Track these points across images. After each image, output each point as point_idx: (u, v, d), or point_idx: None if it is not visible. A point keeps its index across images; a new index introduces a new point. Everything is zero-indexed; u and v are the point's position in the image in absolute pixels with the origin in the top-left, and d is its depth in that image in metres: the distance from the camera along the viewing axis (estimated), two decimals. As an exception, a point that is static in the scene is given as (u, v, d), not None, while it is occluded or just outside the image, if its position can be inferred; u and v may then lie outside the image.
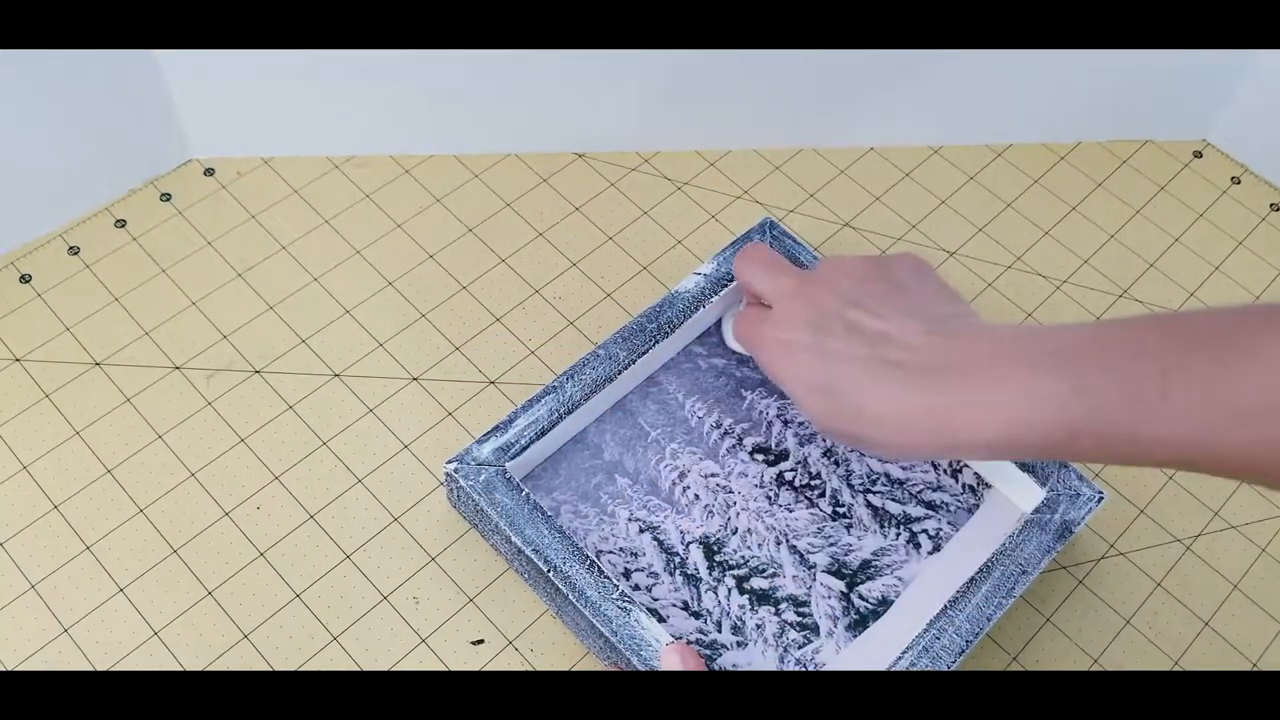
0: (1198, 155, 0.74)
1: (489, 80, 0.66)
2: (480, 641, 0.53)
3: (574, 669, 0.53)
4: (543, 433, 0.55)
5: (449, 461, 0.53)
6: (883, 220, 0.69)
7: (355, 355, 0.61)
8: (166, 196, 0.67)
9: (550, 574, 0.50)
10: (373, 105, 0.67)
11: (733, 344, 0.60)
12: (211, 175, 0.68)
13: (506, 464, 0.53)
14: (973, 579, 0.52)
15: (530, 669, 0.53)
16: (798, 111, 0.70)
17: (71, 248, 0.64)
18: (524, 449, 0.54)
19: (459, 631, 0.53)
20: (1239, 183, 0.73)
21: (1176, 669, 0.55)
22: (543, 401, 0.55)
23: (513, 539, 0.51)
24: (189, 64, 0.62)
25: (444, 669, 0.52)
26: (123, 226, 0.65)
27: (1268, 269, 0.69)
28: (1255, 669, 0.55)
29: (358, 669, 0.52)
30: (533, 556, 0.51)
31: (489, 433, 0.54)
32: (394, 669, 0.52)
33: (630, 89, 0.67)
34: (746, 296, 0.55)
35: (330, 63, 0.63)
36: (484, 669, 0.53)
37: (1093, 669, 0.55)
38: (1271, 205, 0.72)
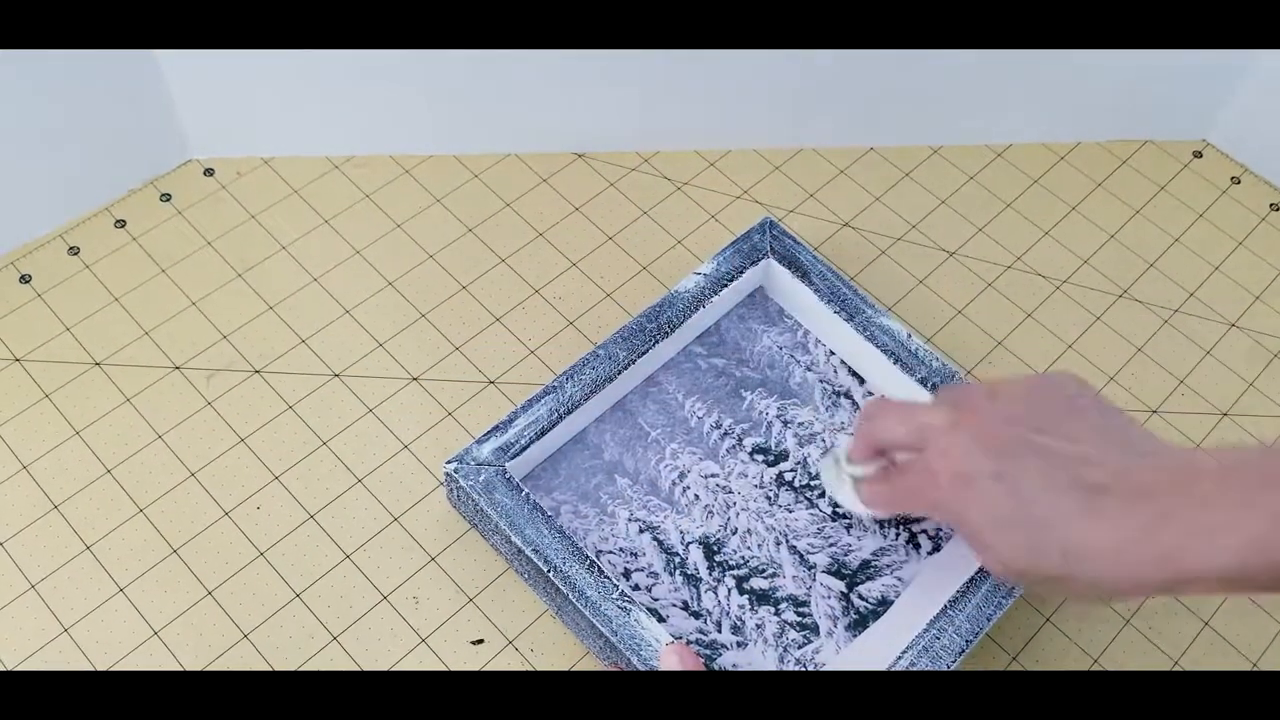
0: (1198, 155, 0.74)
1: (489, 80, 0.66)
2: (480, 641, 0.53)
3: (574, 669, 0.53)
4: (543, 433, 0.55)
5: (449, 461, 0.53)
6: (883, 220, 0.69)
7: (355, 355, 0.61)
8: (166, 196, 0.67)
9: (550, 574, 0.50)
10: (373, 105, 0.67)
11: (853, 506, 0.53)
12: (211, 175, 0.68)
13: (506, 464, 0.53)
14: (972, 579, 0.52)
15: (530, 669, 0.53)
16: (798, 111, 0.70)
17: (71, 248, 0.64)
18: (524, 449, 0.54)
19: (459, 631, 0.53)
20: (1239, 183, 0.73)
21: (1176, 669, 0.55)
22: (542, 401, 0.55)
23: (513, 539, 0.51)
24: (189, 64, 0.62)
25: (444, 669, 0.52)
26: (123, 226, 0.65)
27: (1268, 269, 0.69)
28: (1255, 669, 0.55)
29: (358, 669, 0.52)
30: (533, 556, 0.51)
31: (489, 433, 0.54)
32: (394, 669, 0.52)
33: (630, 89, 0.67)
34: (866, 455, 0.50)
35: (330, 63, 0.63)
36: (484, 669, 0.53)
37: (1093, 669, 0.54)
38: (1271, 205, 0.72)
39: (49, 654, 0.51)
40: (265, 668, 0.52)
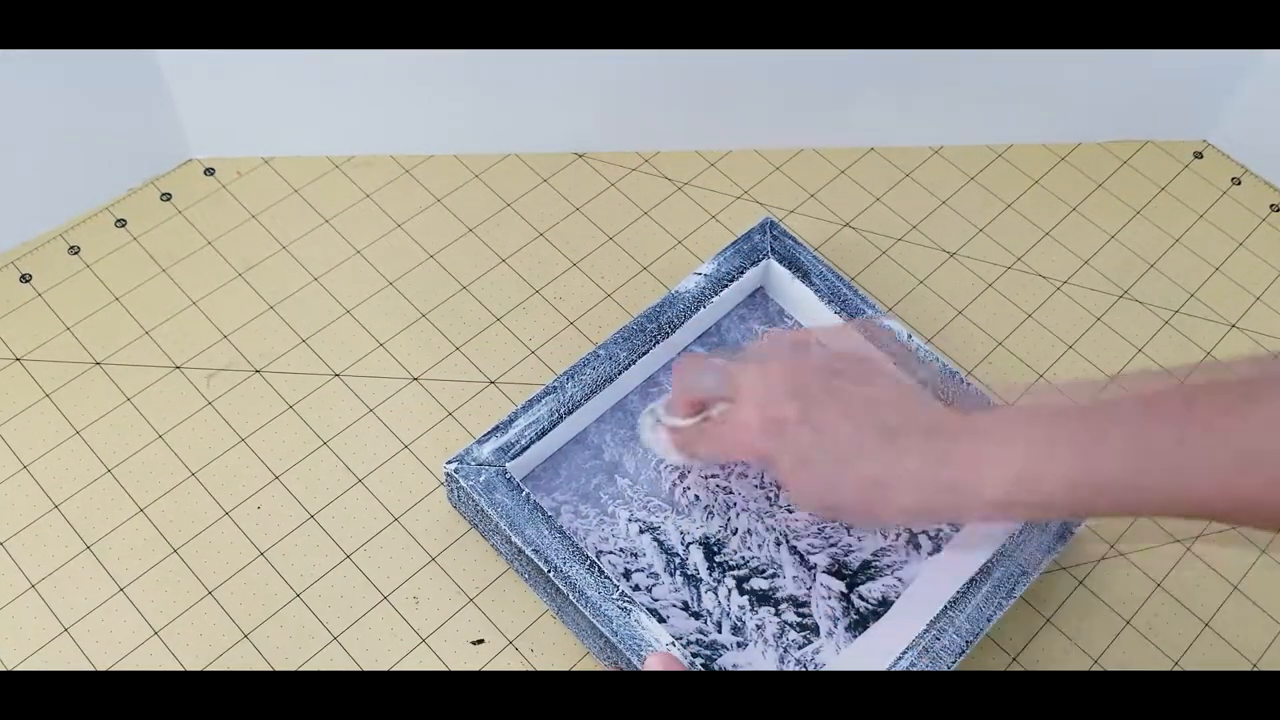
0: (1198, 156, 0.74)
1: (489, 80, 0.66)
2: (480, 641, 0.53)
3: (574, 669, 0.53)
4: (543, 433, 0.55)
5: (449, 462, 0.53)
6: (883, 220, 0.69)
7: (355, 355, 0.61)
8: (167, 196, 0.67)
9: (550, 574, 0.50)
10: (373, 105, 0.67)
11: (667, 453, 0.53)
12: (211, 175, 0.68)
13: (507, 464, 0.53)
14: (973, 580, 0.52)
15: (530, 669, 0.53)
16: (798, 111, 0.70)
17: (72, 247, 0.64)
18: (524, 449, 0.54)
19: (459, 631, 0.53)
20: (1239, 183, 0.73)
21: (1176, 669, 0.55)
22: (543, 402, 0.55)
23: (513, 539, 0.51)
24: (189, 64, 0.62)
25: (444, 669, 0.52)
26: (123, 226, 0.65)
27: (1268, 269, 0.69)
28: (1255, 669, 0.55)
29: (358, 669, 0.52)
30: (533, 557, 0.51)
31: (489, 433, 0.54)
32: (394, 669, 0.52)
33: (630, 89, 0.67)
34: (685, 410, 0.51)
35: (330, 63, 0.63)
36: (484, 669, 0.53)
37: (1093, 669, 0.54)
38: (1272, 206, 0.72)
39: (49, 654, 0.51)
40: (265, 668, 0.52)
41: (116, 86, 0.62)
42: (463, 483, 0.53)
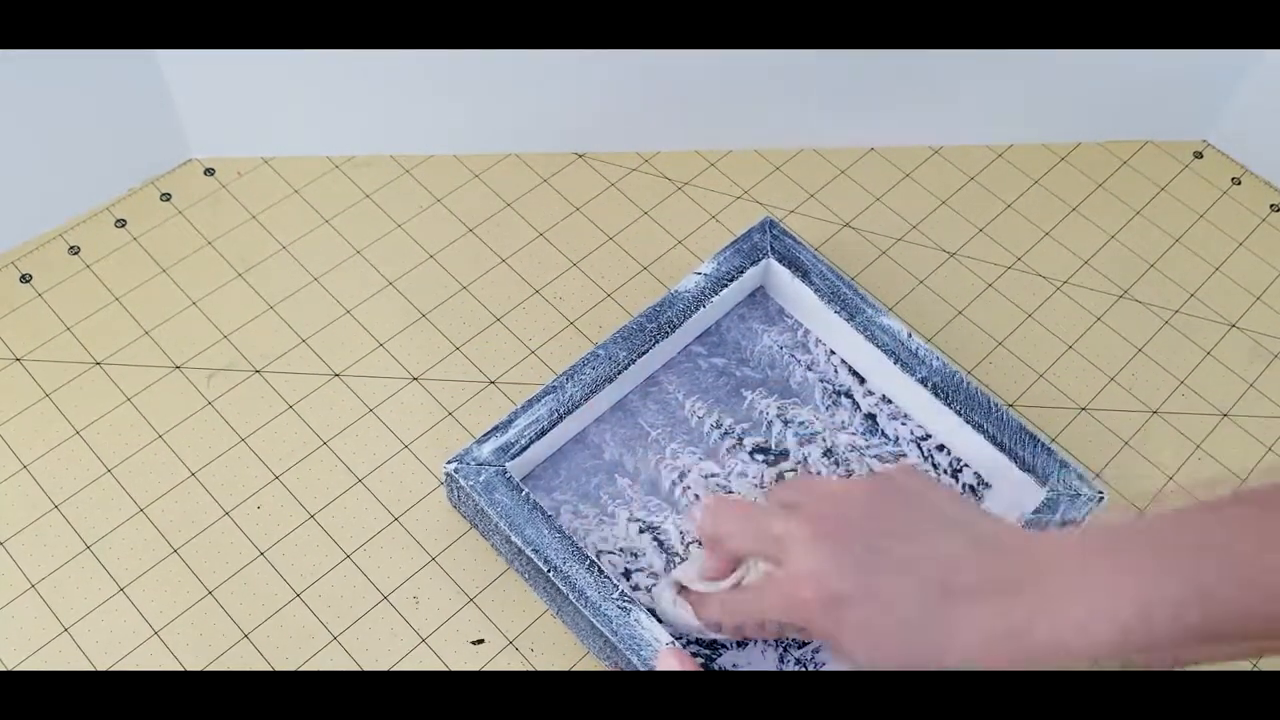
0: (1198, 156, 0.74)
1: (489, 80, 0.66)
2: (480, 641, 0.53)
3: (574, 669, 0.53)
4: (543, 433, 0.55)
5: (449, 461, 0.53)
6: (883, 220, 0.69)
7: (355, 355, 0.61)
8: (167, 196, 0.67)
9: (550, 574, 0.50)
10: (373, 105, 0.67)
11: (691, 626, 0.49)
12: (211, 175, 0.68)
13: (506, 464, 0.53)
14: None
15: (530, 669, 0.53)
16: (798, 111, 0.70)
17: (72, 247, 0.64)
18: (524, 449, 0.54)
19: (459, 631, 0.53)
20: (1239, 183, 0.73)
21: (1176, 669, 0.55)
22: (543, 401, 0.55)
23: (512, 539, 0.51)
24: (189, 64, 0.62)
25: (444, 669, 0.52)
26: (123, 226, 0.65)
27: (1268, 269, 0.69)
28: (1255, 669, 0.55)
29: (358, 669, 0.52)
30: (533, 556, 0.51)
31: (489, 433, 0.54)
32: (394, 669, 0.52)
33: (630, 89, 0.67)
34: (721, 570, 0.48)
35: (330, 63, 0.63)
36: (484, 669, 0.53)
37: (1093, 669, 0.54)
38: (1271, 206, 0.72)
39: (49, 654, 0.51)
40: (265, 668, 0.52)
41: (116, 86, 0.62)
42: (462, 482, 0.52)
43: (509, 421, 0.54)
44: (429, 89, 0.66)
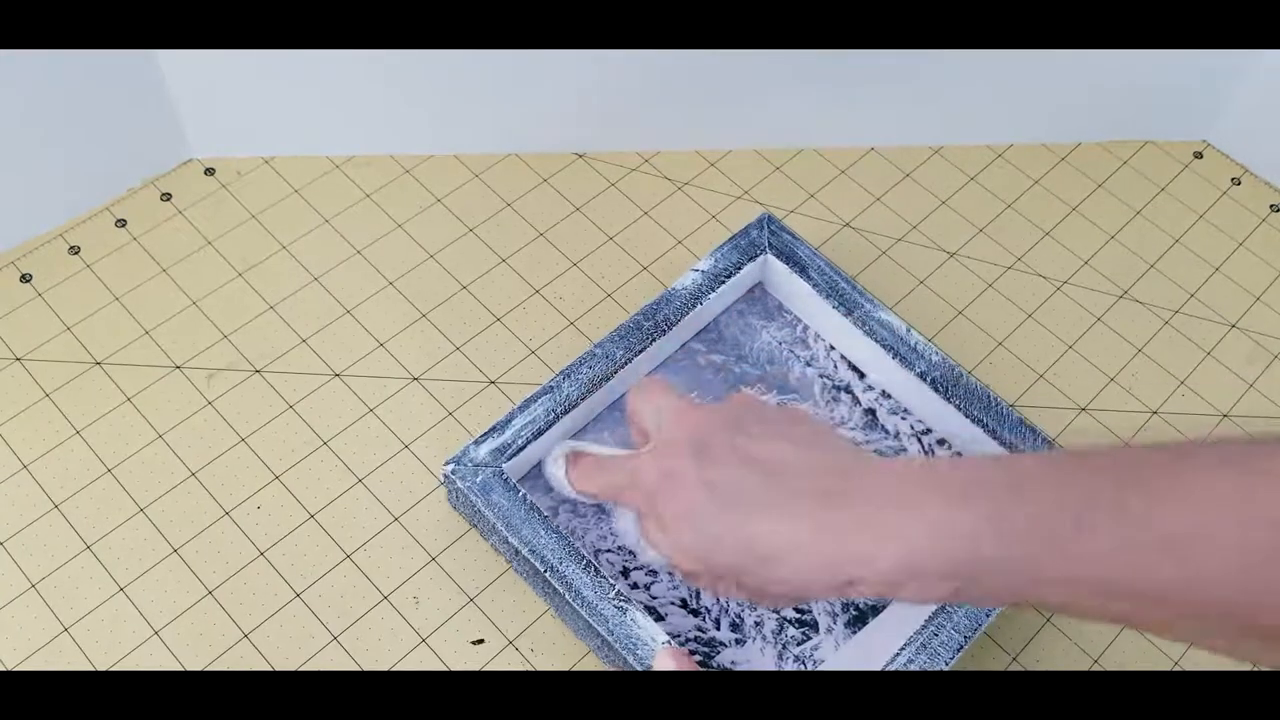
0: (1198, 156, 0.74)
1: (489, 80, 0.66)
2: (480, 641, 0.53)
3: (574, 669, 0.53)
4: (540, 433, 0.54)
5: (447, 463, 0.53)
6: (883, 220, 0.69)
7: (355, 355, 0.61)
8: (167, 196, 0.67)
9: (547, 574, 0.50)
10: (373, 105, 0.67)
11: (566, 490, 0.50)
12: (212, 175, 0.68)
13: (504, 465, 0.53)
14: None
15: (530, 669, 0.53)
16: (798, 111, 0.70)
17: (72, 247, 0.64)
18: (521, 449, 0.54)
19: (459, 631, 0.53)
20: (1239, 184, 0.73)
21: (1176, 669, 0.55)
22: (539, 401, 0.55)
23: (510, 540, 0.51)
24: (189, 64, 0.62)
25: (444, 669, 0.52)
26: (123, 226, 0.65)
27: (1268, 270, 0.69)
28: (1255, 669, 0.55)
29: (358, 669, 0.52)
30: (529, 557, 0.51)
31: (486, 434, 0.54)
32: (394, 669, 0.52)
33: (630, 89, 0.67)
34: (634, 435, 0.49)
35: (330, 63, 0.63)
36: (484, 669, 0.53)
37: (1093, 669, 0.54)
38: (1272, 206, 0.72)
39: (49, 654, 0.51)
40: (265, 668, 0.52)
41: (116, 86, 0.62)
42: (460, 484, 0.52)
43: (506, 422, 0.54)
44: (429, 89, 0.66)
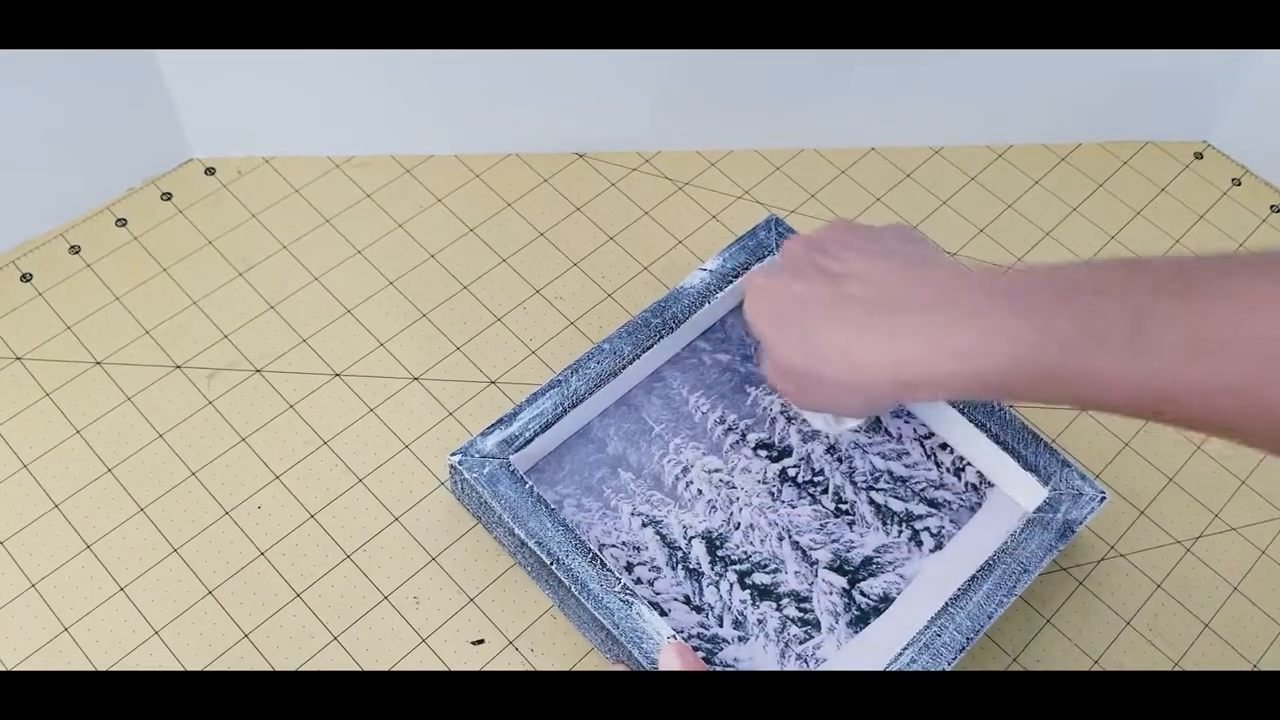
0: (1198, 156, 0.74)
1: (489, 80, 0.66)
2: (480, 641, 0.53)
3: (575, 669, 0.53)
4: (547, 426, 0.55)
5: (454, 454, 0.53)
6: (883, 220, 0.69)
7: (356, 355, 0.61)
8: (167, 196, 0.67)
9: (554, 567, 0.50)
10: (373, 105, 0.67)
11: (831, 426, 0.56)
12: (212, 175, 0.68)
13: (510, 456, 0.53)
14: (974, 577, 0.52)
15: (531, 669, 0.53)
16: (798, 111, 0.70)
17: (72, 246, 0.64)
18: (528, 442, 0.54)
19: (459, 631, 0.53)
20: (1239, 184, 0.73)
21: (1176, 669, 0.55)
22: (547, 395, 0.55)
23: (516, 531, 0.51)
24: (189, 64, 0.62)
25: (444, 669, 0.52)
26: (124, 225, 0.65)
27: (1268, 269, 0.69)
28: (1255, 669, 0.55)
29: (358, 669, 0.52)
30: (536, 549, 0.51)
31: (494, 425, 0.54)
32: (394, 669, 0.52)
33: (630, 89, 0.67)
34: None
35: (330, 63, 0.63)
36: (484, 669, 0.53)
37: (1093, 669, 0.54)
38: (1272, 207, 0.72)
39: (49, 654, 0.51)
40: (265, 668, 0.52)
41: (116, 86, 0.62)
42: (466, 474, 0.53)
43: (513, 415, 0.55)
44: (429, 89, 0.66)
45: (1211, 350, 0.36)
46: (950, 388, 0.43)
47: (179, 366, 0.60)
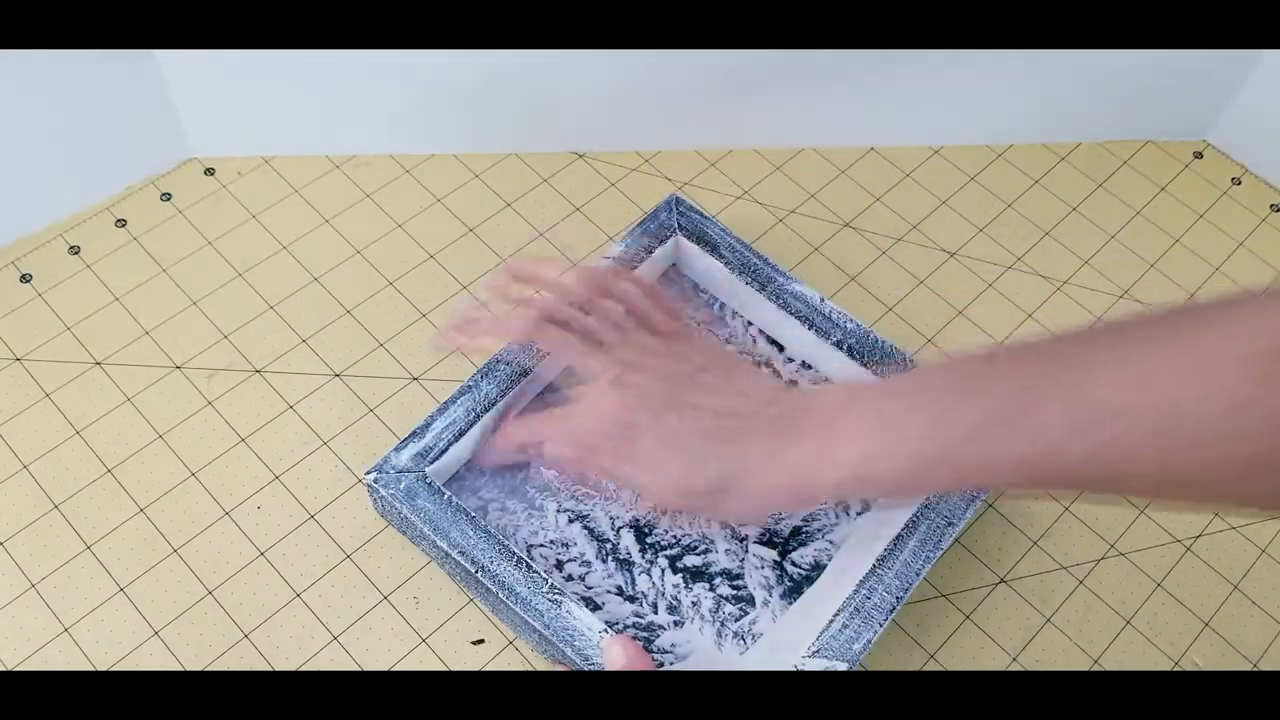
0: (1198, 156, 0.74)
1: (489, 80, 0.66)
2: (480, 641, 0.53)
3: (574, 669, 0.53)
4: (461, 433, 0.54)
5: (368, 472, 0.52)
6: (883, 220, 0.69)
7: (356, 355, 0.61)
8: (167, 196, 0.67)
9: (479, 575, 0.50)
10: (373, 105, 0.67)
11: (498, 457, 0.56)
12: (212, 175, 0.68)
13: (426, 469, 0.53)
14: (899, 535, 0.52)
15: (530, 669, 0.53)
16: (798, 111, 0.70)
17: (72, 247, 0.64)
18: (443, 452, 0.53)
19: (459, 631, 0.53)
20: (1239, 183, 0.73)
21: (1176, 669, 0.55)
22: (459, 402, 0.55)
23: (439, 543, 0.51)
24: (189, 64, 0.62)
25: (444, 669, 0.52)
26: (123, 226, 0.65)
27: (1268, 270, 0.69)
28: (1255, 669, 0.55)
29: (358, 669, 0.52)
30: (460, 559, 0.50)
31: (407, 439, 0.53)
32: (394, 669, 0.52)
33: (630, 89, 0.67)
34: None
35: (330, 63, 0.63)
36: (484, 669, 0.53)
37: (1093, 669, 0.54)
38: (1272, 206, 0.72)
39: (49, 654, 0.51)
40: (265, 668, 0.52)
41: (116, 86, 0.62)
42: (383, 492, 0.52)
43: (425, 426, 0.54)
44: (429, 89, 0.66)
45: (1108, 422, 0.37)
46: (848, 484, 0.44)
47: (178, 367, 0.60)
